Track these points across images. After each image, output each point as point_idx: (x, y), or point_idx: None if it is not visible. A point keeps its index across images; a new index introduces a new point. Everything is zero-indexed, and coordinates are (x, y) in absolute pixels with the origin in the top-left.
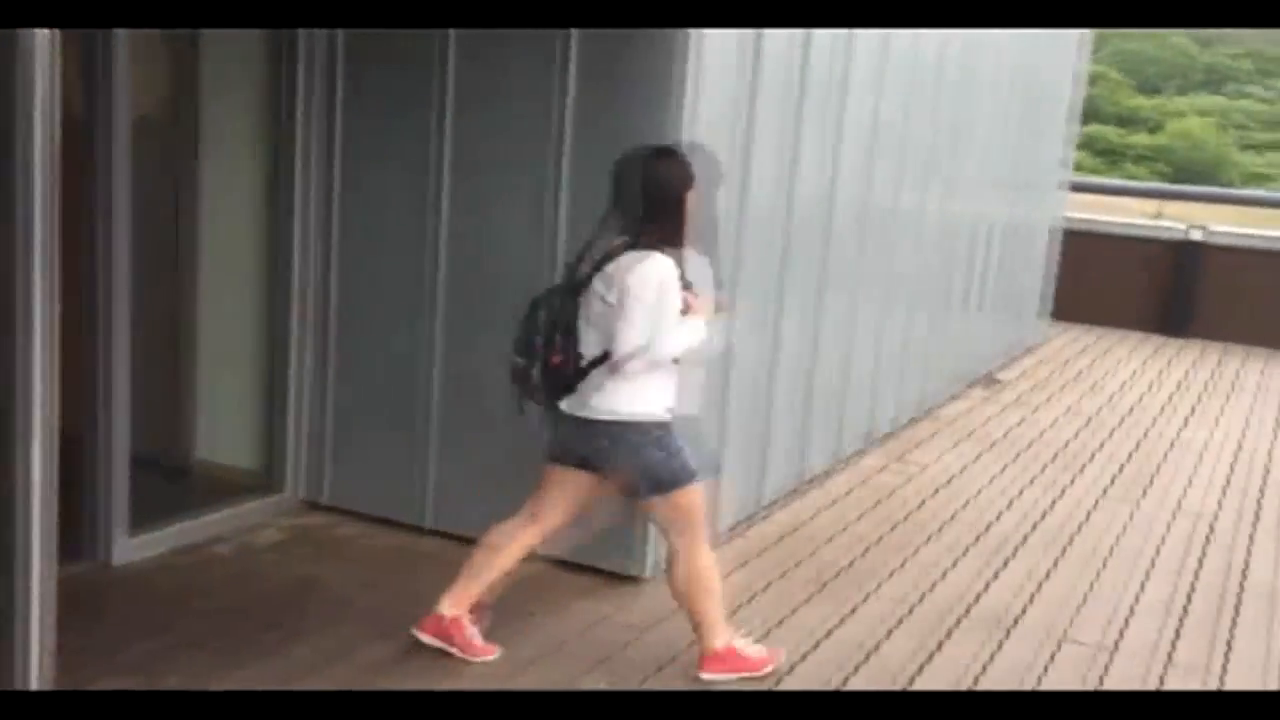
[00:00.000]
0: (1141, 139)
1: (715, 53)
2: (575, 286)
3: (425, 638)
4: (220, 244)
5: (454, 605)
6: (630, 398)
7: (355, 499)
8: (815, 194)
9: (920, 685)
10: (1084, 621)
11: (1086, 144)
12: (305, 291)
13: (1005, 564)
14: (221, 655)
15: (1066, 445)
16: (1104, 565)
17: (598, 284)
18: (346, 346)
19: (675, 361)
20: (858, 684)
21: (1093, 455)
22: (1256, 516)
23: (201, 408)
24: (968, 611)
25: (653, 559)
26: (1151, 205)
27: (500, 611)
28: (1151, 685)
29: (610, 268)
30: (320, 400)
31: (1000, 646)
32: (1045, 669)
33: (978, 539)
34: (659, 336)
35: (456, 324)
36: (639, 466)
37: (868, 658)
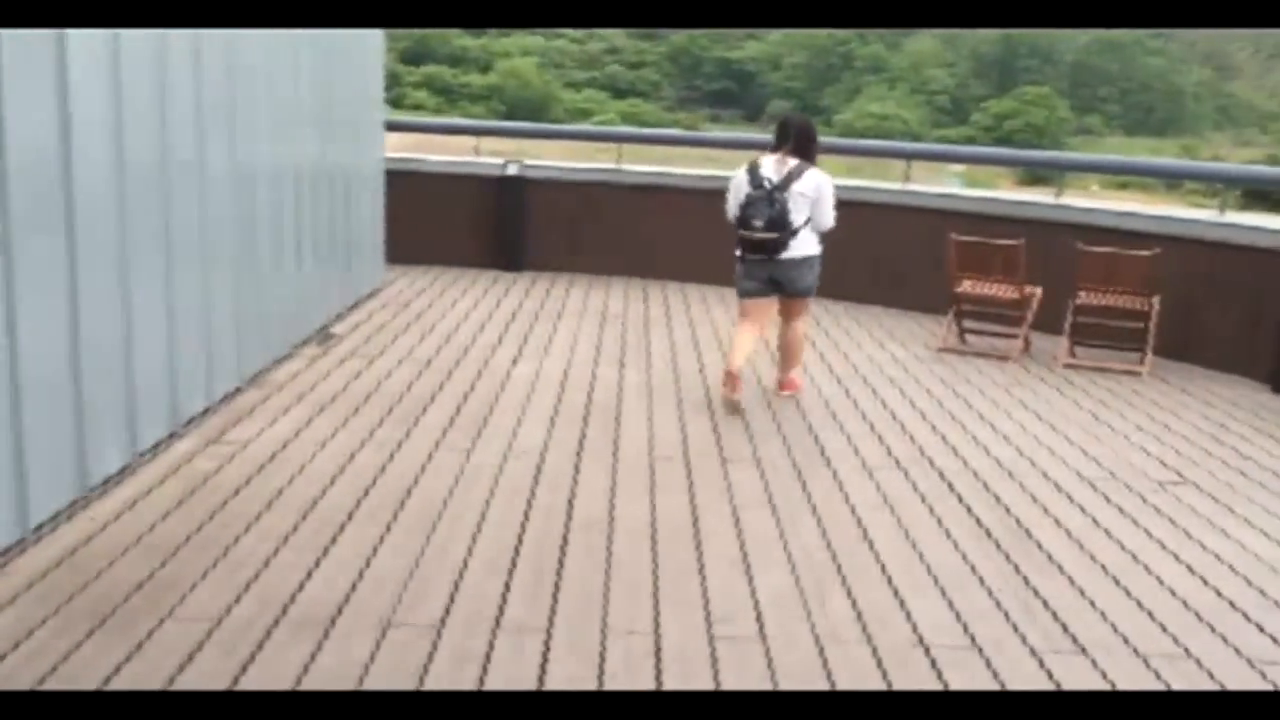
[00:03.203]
0: (475, 78)
1: None
2: (780, 188)
3: (728, 390)
4: None
5: (736, 370)
6: (815, 244)
7: None
8: (38, 162)
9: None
10: (414, 598)
11: (426, 83)
12: None
13: (328, 547)
14: None
15: (404, 395)
16: (434, 529)
17: (797, 186)
18: None
19: None
20: None
21: (430, 402)
22: (581, 445)
23: None
24: (285, 611)
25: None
26: (510, 143)
27: None
28: (480, 655)
29: (804, 176)
30: None
31: (320, 646)
32: (372, 658)
33: (304, 518)
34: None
35: None
36: (812, 279)
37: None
